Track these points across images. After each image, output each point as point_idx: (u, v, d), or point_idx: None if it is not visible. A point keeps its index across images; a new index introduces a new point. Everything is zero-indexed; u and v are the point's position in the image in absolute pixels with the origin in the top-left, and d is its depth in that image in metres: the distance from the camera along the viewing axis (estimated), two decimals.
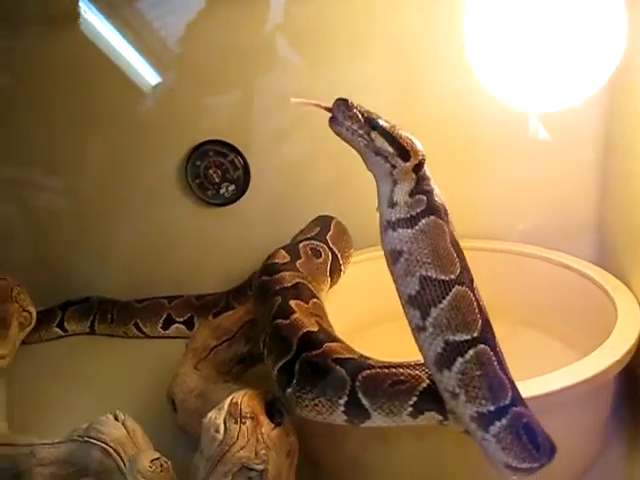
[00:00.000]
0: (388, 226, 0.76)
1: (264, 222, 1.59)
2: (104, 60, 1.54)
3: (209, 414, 0.88)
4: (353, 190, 1.34)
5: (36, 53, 1.55)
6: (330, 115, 0.75)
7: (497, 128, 1.42)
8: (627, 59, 1.14)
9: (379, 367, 0.84)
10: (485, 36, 1.19)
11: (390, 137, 0.75)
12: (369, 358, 0.87)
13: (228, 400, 0.88)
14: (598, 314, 1.15)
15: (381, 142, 0.75)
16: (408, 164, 0.75)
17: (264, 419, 0.86)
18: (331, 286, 1.27)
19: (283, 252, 1.18)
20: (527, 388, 0.82)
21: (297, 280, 1.07)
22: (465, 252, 1.35)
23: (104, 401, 1.23)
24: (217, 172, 1.57)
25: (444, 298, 0.74)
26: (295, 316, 0.95)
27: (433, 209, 0.76)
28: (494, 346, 0.76)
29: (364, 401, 0.83)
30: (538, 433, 0.78)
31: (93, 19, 1.50)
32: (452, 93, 1.39)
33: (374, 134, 0.75)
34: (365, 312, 1.34)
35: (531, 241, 1.42)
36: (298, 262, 1.16)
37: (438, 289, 0.74)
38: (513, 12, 1.15)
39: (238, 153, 1.56)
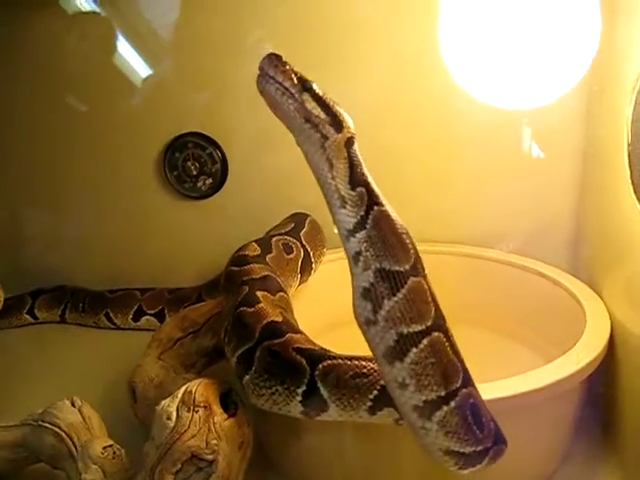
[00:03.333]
0: (349, 235, 0.71)
1: (240, 217, 1.57)
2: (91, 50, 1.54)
3: (163, 402, 0.86)
4: None
5: (18, 39, 1.55)
6: (258, 73, 0.70)
7: (477, 138, 1.42)
8: (604, 67, 1.14)
9: (341, 358, 0.83)
10: (459, 33, 1.18)
11: (323, 102, 0.70)
12: (330, 350, 0.85)
13: (183, 389, 0.86)
14: (569, 322, 1.13)
15: (312, 106, 0.69)
16: (340, 135, 0.70)
17: (217, 409, 0.85)
18: (301, 283, 1.25)
19: (255, 245, 1.17)
20: (487, 391, 0.80)
21: (266, 273, 1.06)
22: (441, 256, 1.38)
23: (67, 389, 1.19)
24: (195, 165, 1.56)
25: (398, 291, 0.69)
26: (260, 305, 0.93)
27: (373, 197, 0.71)
28: (446, 331, 0.72)
29: (323, 391, 0.81)
30: (483, 413, 0.74)
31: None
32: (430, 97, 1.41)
33: (306, 96, 0.69)
34: (334, 313, 1.31)
35: (508, 249, 1.40)
36: (268, 256, 1.15)
37: (392, 281, 0.69)
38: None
39: (217, 147, 1.55)
